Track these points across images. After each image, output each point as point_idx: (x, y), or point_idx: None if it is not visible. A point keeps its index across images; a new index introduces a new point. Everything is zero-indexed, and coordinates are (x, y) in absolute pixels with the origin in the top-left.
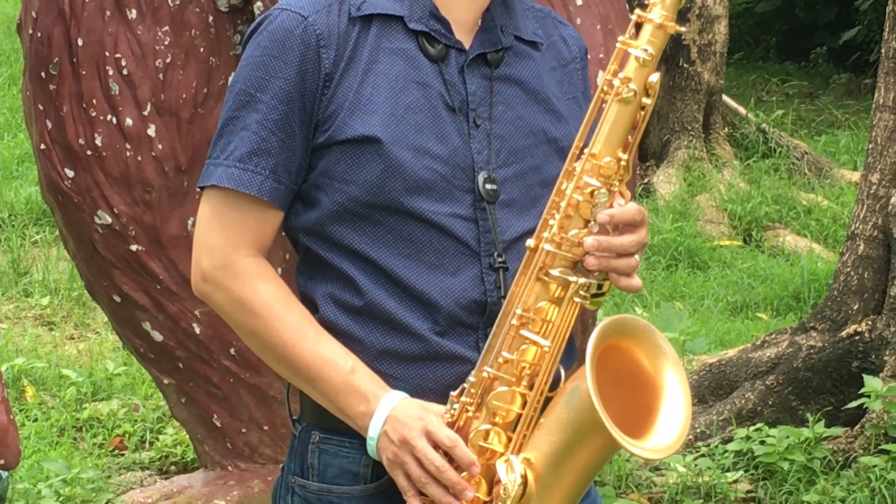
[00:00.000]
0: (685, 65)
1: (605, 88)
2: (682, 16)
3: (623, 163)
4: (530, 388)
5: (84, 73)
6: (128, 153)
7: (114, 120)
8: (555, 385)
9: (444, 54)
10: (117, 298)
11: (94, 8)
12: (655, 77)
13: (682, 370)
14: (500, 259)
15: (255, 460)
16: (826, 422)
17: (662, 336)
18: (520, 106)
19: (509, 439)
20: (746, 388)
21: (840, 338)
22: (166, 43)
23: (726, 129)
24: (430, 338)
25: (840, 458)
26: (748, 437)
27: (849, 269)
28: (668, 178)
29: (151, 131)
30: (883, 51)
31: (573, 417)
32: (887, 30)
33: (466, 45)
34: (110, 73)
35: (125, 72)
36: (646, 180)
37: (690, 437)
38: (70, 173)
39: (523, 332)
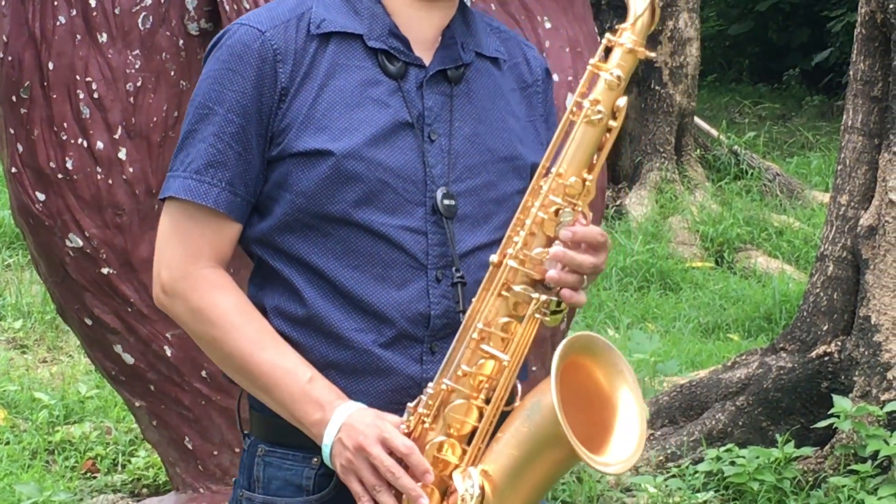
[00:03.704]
0: (657, 87)
1: (574, 109)
2: (653, 38)
3: (588, 183)
4: (487, 401)
5: (55, 96)
6: (99, 176)
7: (85, 143)
8: (510, 401)
9: (404, 71)
10: (88, 321)
11: (64, 32)
12: (623, 101)
13: (638, 391)
14: (458, 274)
15: (227, 482)
16: (796, 442)
17: (622, 356)
18: (477, 123)
19: (464, 452)
20: (717, 409)
21: (809, 358)
22: (137, 66)
23: (698, 150)
24: (373, 350)
25: (810, 479)
26: (718, 458)
27: (818, 290)
28: (640, 200)
29: (122, 154)
30: (851, 73)
31: (534, 431)
32: (855, 52)
33: (426, 62)
34: (81, 96)
35: (96, 95)
36: (618, 202)
37: (661, 457)
38: (41, 196)
39: (483, 346)
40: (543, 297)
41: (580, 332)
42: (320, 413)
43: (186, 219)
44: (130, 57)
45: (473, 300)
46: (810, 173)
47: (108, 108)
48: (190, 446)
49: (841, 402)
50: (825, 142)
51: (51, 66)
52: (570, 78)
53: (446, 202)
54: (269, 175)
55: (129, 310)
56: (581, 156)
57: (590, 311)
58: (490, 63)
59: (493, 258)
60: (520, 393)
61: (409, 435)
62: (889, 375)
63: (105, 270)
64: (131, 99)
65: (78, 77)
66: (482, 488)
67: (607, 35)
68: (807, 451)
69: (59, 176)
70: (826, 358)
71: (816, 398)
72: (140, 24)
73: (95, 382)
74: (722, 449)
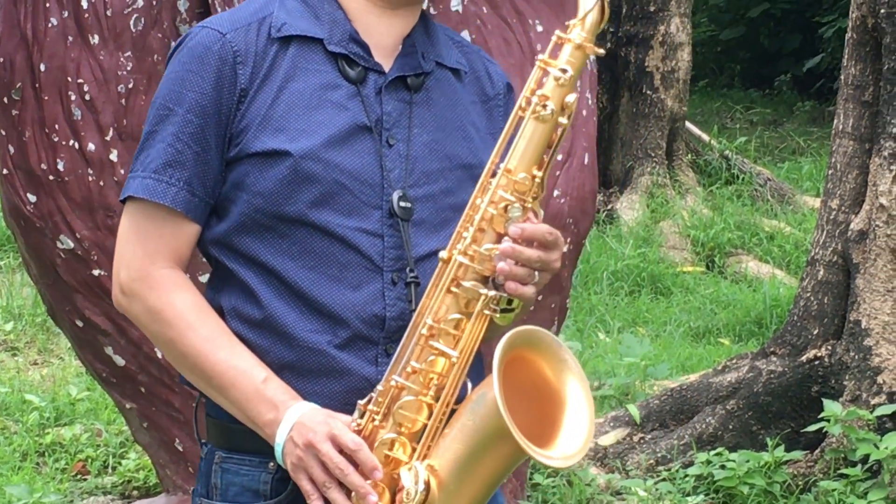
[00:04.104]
0: (648, 91)
1: (523, 105)
2: (645, 43)
3: (538, 180)
4: (437, 399)
5: (46, 98)
6: (90, 178)
7: (76, 145)
8: (461, 398)
9: (363, 76)
10: (80, 323)
11: (56, 33)
12: (572, 97)
13: (585, 382)
14: (412, 274)
15: None
16: (786, 446)
17: (567, 349)
18: (436, 130)
19: (414, 450)
20: (707, 413)
21: (800, 362)
22: (129, 68)
23: (689, 155)
24: (328, 351)
25: (800, 482)
26: (709, 462)
27: (809, 295)
28: (631, 205)
29: (114, 156)
30: (842, 77)
31: (479, 425)
32: (846, 56)
33: (386, 69)
34: (73, 98)
35: (87, 97)
36: (609, 206)
37: (651, 461)
38: (32, 198)
39: (433, 342)
40: (492, 293)
41: (524, 327)
42: (273, 413)
43: (145, 219)
44: (122, 59)
45: (423, 296)
46: (801, 178)
47: (100, 109)
48: (180, 448)
49: (831, 406)
50: (816, 147)
51: (42, 67)
52: None
53: (402, 204)
54: (227, 176)
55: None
56: (530, 152)
57: (581, 315)
58: (451, 73)
59: (443, 254)
60: (469, 390)
61: (359, 433)
62: (879, 379)
63: (96, 272)
64: (123, 101)
65: (70, 78)
66: (427, 483)
67: (557, 32)
68: (797, 454)
69: (51, 177)
70: (816, 362)
71: (807, 402)
72: (132, 26)
73: (86, 385)
74: (712, 453)
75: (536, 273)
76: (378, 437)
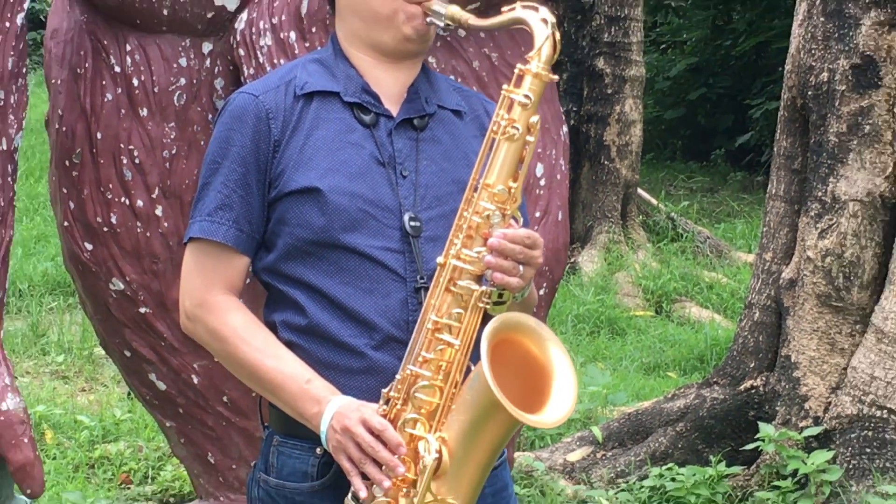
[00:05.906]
0: (606, 162)
1: (495, 129)
2: (603, 120)
3: (513, 190)
4: (446, 381)
5: (102, 161)
6: (138, 230)
7: (127, 202)
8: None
9: (376, 121)
10: (128, 353)
11: (111, 107)
12: (536, 118)
13: (566, 352)
14: (422, 280)
15: (244, 492)
16: (727, 462)
17: (546, 327)
18: (443, 161)
19: (431, 426)
20: (659, 434)
21: (739, 391)
22: (172, 137)
23: (640, 216)
24: (366, 352)
25: (739, 493)
26: (661, 475)
27: (746, 333)
28: (591, 259)
29: (159, 211)
30: (775, 149)
31: (475, 398)
32: (779, 131)
33: (394, 113)
34: (124, 161)
35: (137, 161)
36: (572, 260)
37: (612, 475)
38: (89, 246)
39: (438, 335)
40: (483, 288)
41: (507, 314)
42: (317, 407)
43: (202, 255)
44: (167, 128)
45: (426, 297)
46: (735, 237)
47: (148, 171)
48: (212, 461)
49: (765, 429)
50: (748, 210)
51: (99, 135)
52: (538, 150)
53: (412, 224)
54: (271, 215)
55: (163, 344)
56: (506, 167)
57: None
58: (452, 114)
59: (439, 259)
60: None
61: (385, 416)
62: (806, 406)
63: (142, 310)
64: (167, 164)
65: (122, 145)
66: (439, 452)
67: (519, 65)
68: (736, 469)
69: (105, 229)
70: (753, 391)
71: (745, 425)
72: (175, 101)
73: (128, 408)
74: (664, 468)
75: (521, 266)
76: (401, 419)
